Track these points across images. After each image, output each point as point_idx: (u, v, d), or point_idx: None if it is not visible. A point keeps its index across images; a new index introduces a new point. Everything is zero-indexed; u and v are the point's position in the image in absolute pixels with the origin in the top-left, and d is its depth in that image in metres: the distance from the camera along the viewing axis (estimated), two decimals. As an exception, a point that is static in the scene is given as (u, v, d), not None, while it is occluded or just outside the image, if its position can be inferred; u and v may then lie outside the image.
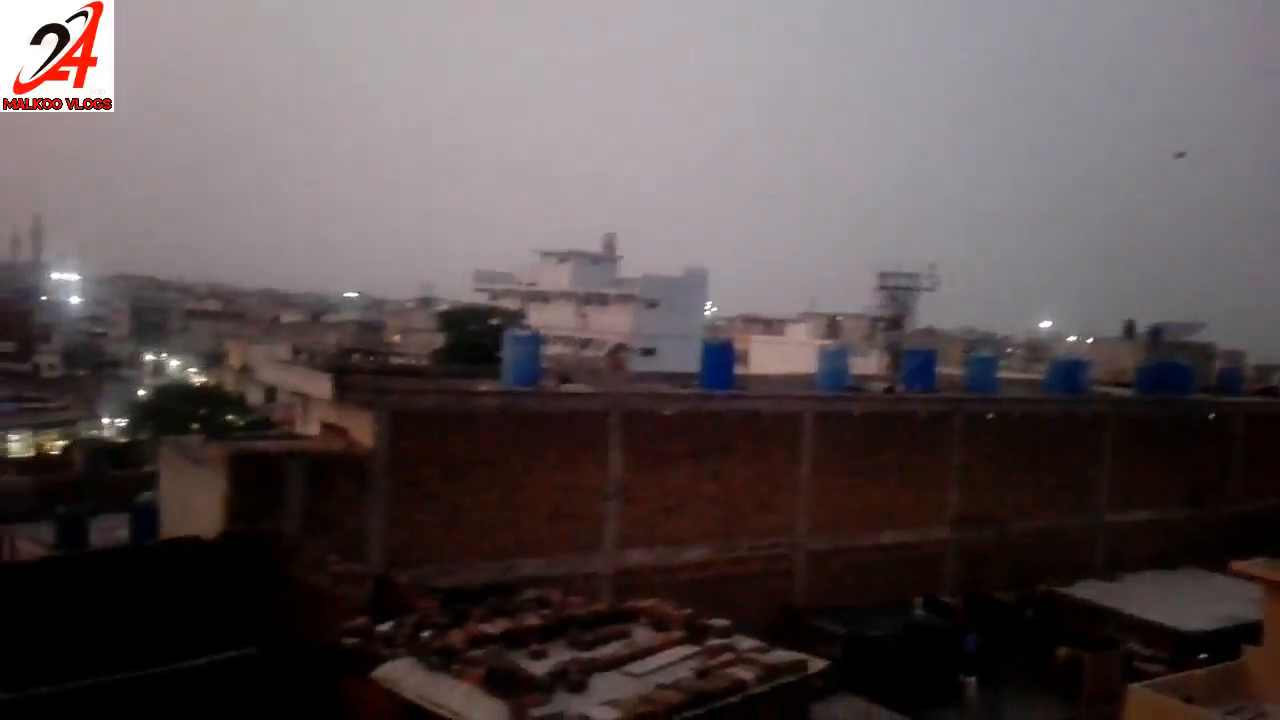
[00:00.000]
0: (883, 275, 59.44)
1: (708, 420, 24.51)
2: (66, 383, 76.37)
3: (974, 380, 32.05)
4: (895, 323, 59.19)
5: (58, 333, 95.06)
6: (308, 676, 5.50)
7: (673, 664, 6.83)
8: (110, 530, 27.20)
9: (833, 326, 60.96)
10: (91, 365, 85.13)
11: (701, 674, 6.50)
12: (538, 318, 59.69)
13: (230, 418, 45.12)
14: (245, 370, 66.88)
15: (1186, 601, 28.25)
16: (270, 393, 52.59)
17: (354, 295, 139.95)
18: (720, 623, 8.01)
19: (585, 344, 60.08)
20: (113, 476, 35.91)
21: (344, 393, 21.49)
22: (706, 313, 70.62)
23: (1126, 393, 35.82)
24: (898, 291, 58.34)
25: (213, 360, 79.10)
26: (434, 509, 20.84)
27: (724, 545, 24.46)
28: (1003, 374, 38.37)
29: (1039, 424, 30.68)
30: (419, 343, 73.31)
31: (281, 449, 21.30)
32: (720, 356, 27.37)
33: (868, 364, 46.60)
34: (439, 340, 52.91)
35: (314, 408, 23.65)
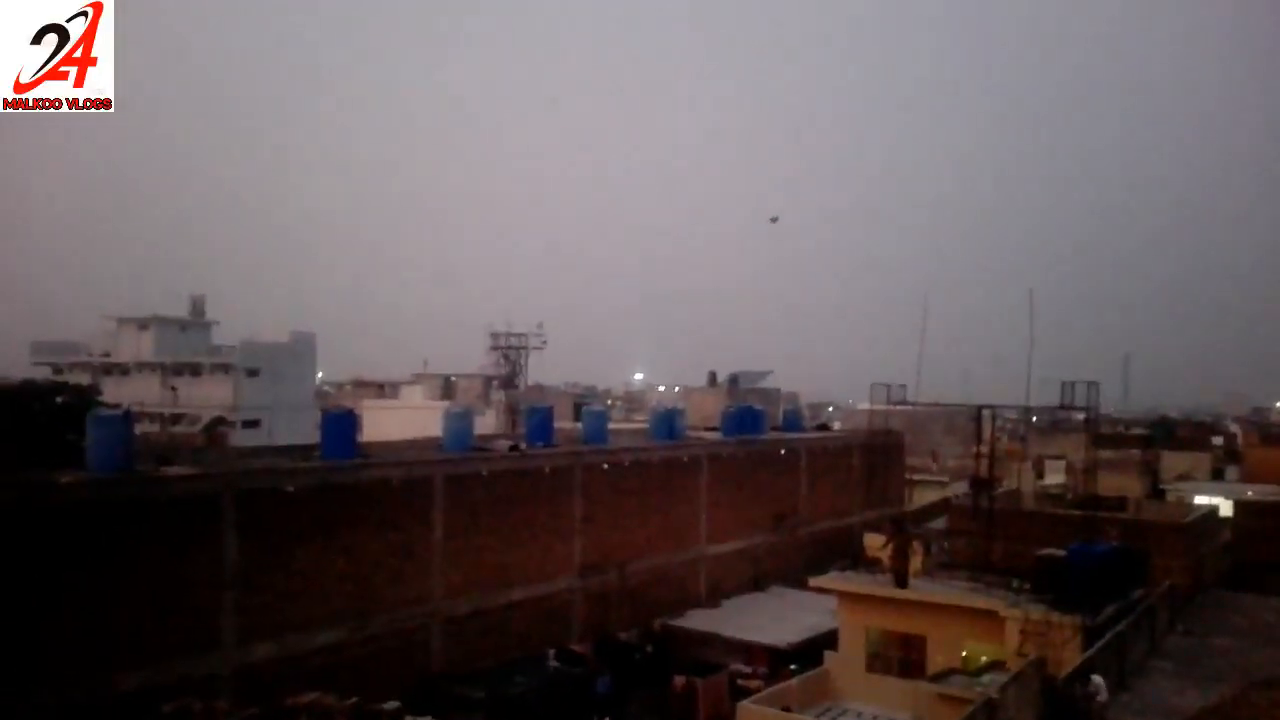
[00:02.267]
0: (495, 335, 61.20)
1: (334, 493, 23.48)
2: None
3: (588, 433, 34.05)
4: (508, 381, 60.97)
5: None
6: None
7: (347, 758, 6.68)
8: None
9: (448, 387, 61.19)
10: None
11: (381, 762, 6.44)
12: (116, 392, 52.78)
13: None
14: None
15: (776, 618, 32.22)
16: None
17: None
18: (390, 705, 7.97)
19: (176, 419, 54.34)
20: None
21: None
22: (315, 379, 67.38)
23: (714, 435, 40.26)
24: (509, 351, 60.31)
25: None
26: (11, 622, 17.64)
27: (358, 625, 23.43)
28: (610, 425, 41.18)
29: (646, 469, 33.39)
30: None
31: None
32: (341, 425, 26.47)
33: (485, 422, 47.48)
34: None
35: None
